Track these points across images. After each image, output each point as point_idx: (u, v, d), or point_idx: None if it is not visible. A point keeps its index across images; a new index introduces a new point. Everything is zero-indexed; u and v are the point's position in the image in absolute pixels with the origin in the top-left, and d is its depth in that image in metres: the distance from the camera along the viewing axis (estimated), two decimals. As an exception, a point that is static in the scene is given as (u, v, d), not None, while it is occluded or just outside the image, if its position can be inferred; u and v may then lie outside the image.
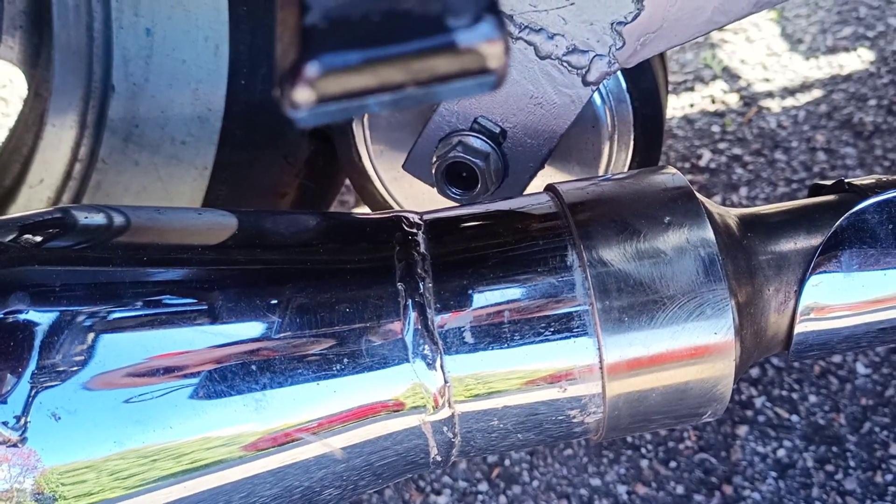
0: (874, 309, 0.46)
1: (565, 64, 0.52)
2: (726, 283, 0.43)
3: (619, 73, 0.60)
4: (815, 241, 0.46)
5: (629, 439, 0.90)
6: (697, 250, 0.43)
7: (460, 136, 0.56)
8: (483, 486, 0.89)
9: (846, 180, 0.50)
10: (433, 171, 0.57)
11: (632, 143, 0.62)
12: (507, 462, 0.90)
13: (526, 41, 0.52)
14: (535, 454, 0.90)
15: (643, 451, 0.90)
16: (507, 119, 0.55)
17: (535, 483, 0.88)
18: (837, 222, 0.46)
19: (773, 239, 0.47)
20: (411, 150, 0.59)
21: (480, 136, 0.55)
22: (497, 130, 0.56)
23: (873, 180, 0.50)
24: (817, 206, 0.49)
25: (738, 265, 0.45)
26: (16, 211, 0.71)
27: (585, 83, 0.52)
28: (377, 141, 0.65)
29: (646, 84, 0.61)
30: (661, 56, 0.64)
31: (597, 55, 0.51)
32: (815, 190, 0.53)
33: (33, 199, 0.71)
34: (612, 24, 0.50)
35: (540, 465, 0.90)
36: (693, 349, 0.43)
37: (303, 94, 0.23)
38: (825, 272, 0.45)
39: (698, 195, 0.46)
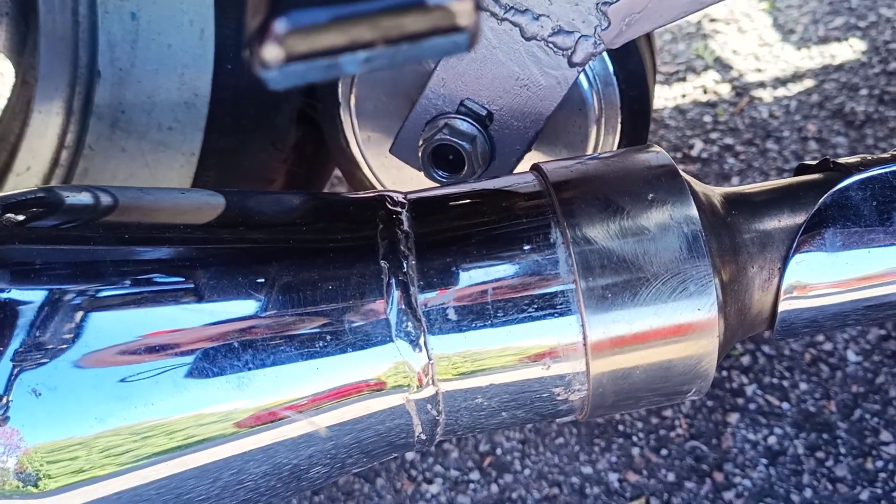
0: (858, 287, 0.46)
1: (551, 45, 0.52)
2: (710, 260, 0.43)
3: (605, 55, 0.60)
4: (799, 219, 0.46)
5: (620, 427, 0.91)
6: (681, 227, 0.43)
7: (447, 119, 0.56)
8: (475, 475, 0.89)
9: (831, 159, 0.50)
10: (420, 155, 0.57)
11: (619, 125, 0.62)
12: (498, 451, 0.90)
13: (511, 22, 0.51)
14: (527, 442, 0.90)
15: (634, 438, 0.90)
16: (493, 101, 0.55)
17: (527, 471, 0.88)
18: (821, 200, 0.46)
19: (758, 217, 0.47)
20: (398, 133, 0.59)
21: (467, 119, 0.55)
22: (484, 113, 0.55)
23: (858, 159, 0.50)
24: (802, 185, 0.48)
25: (722, 243, 0.45)
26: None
27: (571, 64, 0.52)
28: (365, 127, 0.65)
29: (633, 66, 0.61)
30: (649, 38, 0.64)
31: (582, 36, 0.51)
32: (801, 170, 0.53)
33: (20, 186, 0.71)
34: (597, 4, 0.49)
35: (531, 453, 0.90)
36: (676, 326, 0.43)
37: (272, 52, 0.23)
38: (809, 250, 0.45)
39: (683, 173, 0.46)
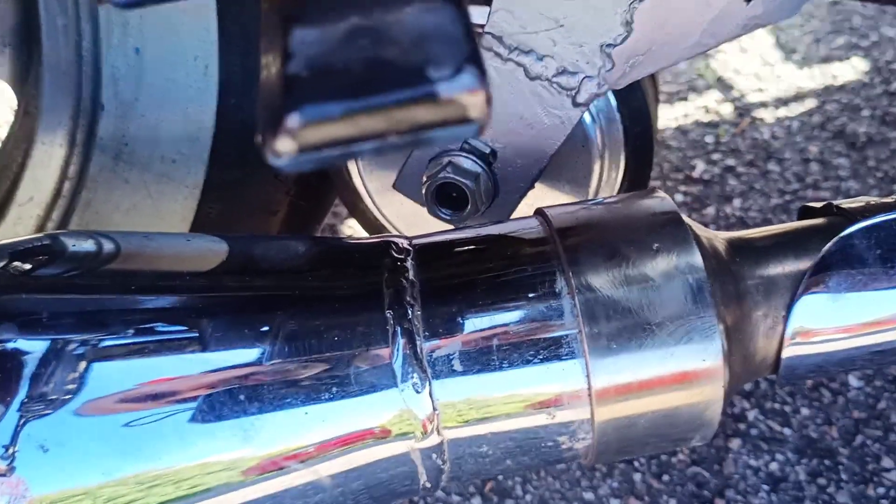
0: (862, 333, 0.46)
1: (555, 85, 0.52)
2: (714, 308, 0.43)
3: (609, 92, 0.60)
4: (804, 265, 0.46)
5: (622, 452, 0.90)
6: (685, 276, 0.43)
7: (450, 157, 0.56)
8: (476, 501, 0.88)
9: (835, 203, 0.50)
10: (423, 192, 0.57)
11: (622, 161, 0.63)
12: (500, 476, 0.90)
13: (516, 62, 0.52)
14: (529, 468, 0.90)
15: (636, 464, 0.90)
16: (497, 139, 0.55)
17: (529, 497, 0.88)
18: (826, 247, 0.46)
19: (762, 263, 0.47)
20: (401, 169, 0.59)
21: (471, 157, 0.56)
22: (487, 150, 0.56)
23: (862, 203, 0.50)
24: (806, 230, 0.49)
25: (727, 290, 0.45)
26: (5, 229, 0.71)
27: (575, 104, 0.52)
28: (368, 160, 0.65)
29: (636, 103, 0.61)
30: (654, 79, 0.65)
31: (586, 77, 0.51)
32: (805, 212, 0.53)
33: (23, 216, 0.71)
34: (601, 46, 0.50)
35: (533, 478, 0.90)
36: (681, 375, 0.43)
37: (285, 145, 0.23)
38: (813, 296, 0.46)
39: (687, 219, 0.46)
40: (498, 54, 0.52)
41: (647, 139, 0.62)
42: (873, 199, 0.50)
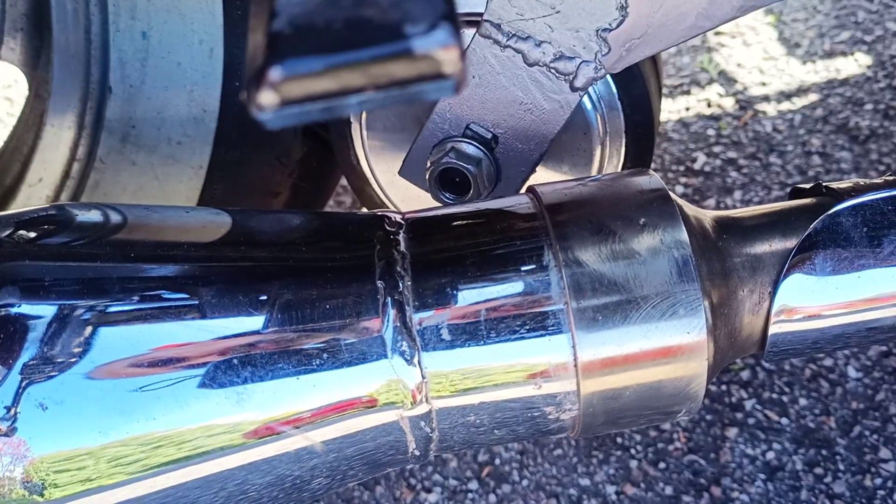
0: (847, 311, 0.47)
1: (553, 70, 0.53)
2: (699, 283, 0.43)
3: (610, 80, 0.61)
4: (790, 243, 0.47)
5: (618, 439, 0.91)
6: (671, 251, 0.44)
7: (453, 143, 0.57)
8: (473, 485, 0.89)
9: (824, 184, 0.51)
10: (427, 177, 0.59)
11: (623, 148, 0.63)
12: (497, 461, 0.91)
13: (514, 49, 0.53)
14: (525, 453, 0.91)
15: (632, 451, 0.90)
16: (498, 125, 0.56)
17: (525, 482, 0.89)
18: (812, 225, 0.47)
19: (749, 241, 0.47)
20: (406, 156, 0.60)
21: (473, 143, 0.57)
22: (489, 136, 0.57)
23: (851, 184, 0.50)
24: (793, 209, 0.49)
25: (713, 266, 0.46)
26: (15, 209, 0.73)
27: (573, 89, 0.53)
28: (374, 145, 0.66)
29: (637, 91, 0.62)
30: (655, 63, 0.65)
31: (583, 61, 0.52)
32: (795, 193, 0.53)
33: (32, 197, 0.73)
34: (597, 30, 0.51)
35: (530, 464, 0.90)
36: (666, 348, 0.44)
37: (267, 97, 0.24)
38: (799, 274, 0.46)
39: (674, 197, 0.47)
40: (497, 41, 0.53)
41: (649, 127, 0.63)
42: (863, 180, 0.50)
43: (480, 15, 0.52)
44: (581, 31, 0.51)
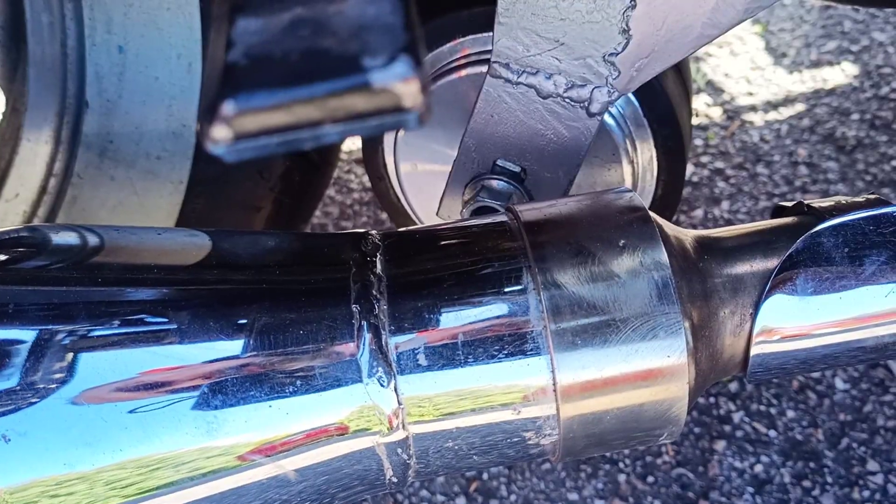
0: (829, 332, 0.46)
1: (567, 100, 0.53)
2: (679, 305, 0.43)
3: (632, 97, 0.61)
4: (772, 263, 0.46)
5: (607, 454, 0.90)
6: (651, 273, 0.43)
7: (483, 181, 0.58)
8: (461, 501, 0.89)
9: (805, 202, 0.50)
10: (462, 215, 0.59)
11: (655, 162, 0.64)
12: (485, 476, 0.90)
13: (526, 85, 0.53)
14: (513, 468, 0.90)
15: (621, 465, 0.90)
16: (523, 158, 0.56)
17: (513, 497, 0.88)
18: (794, 245, 0.46)
19: (730, 261, 0.47)
20: (442, 198, 0.61)
21: (502, 178, 0.57)
22: (517, 169, 0.57)
23: (833, 202, 0.50)
24: (775, 229, 0.49)
25: (693, 288, 0.45)
26: (-10, 226, 0.71)
27: (590, 115, 0.53)
28: (405, 158, 0.67)
29: (662, 107, 0.62)
30: (680, 73, 0.65)
31: (595, 87, 0.52)
32: (777, 211, 0.53)
33: (9, 212, 0.72)
34: (603, 56, 0.50)
35: (518, 479, 0.90)
36: (646, 372, 0.43)
37: (220, 132, 0.23)
38: (781, 295, 0.46)
39: (654, 217, 0.46)
40: (508, 80, 0.53)
41: (678, 140, 0.63)
42: (845, 199, 0.50)
43: (489, 58, 0.53)
44: (588, 58, 0.51)
